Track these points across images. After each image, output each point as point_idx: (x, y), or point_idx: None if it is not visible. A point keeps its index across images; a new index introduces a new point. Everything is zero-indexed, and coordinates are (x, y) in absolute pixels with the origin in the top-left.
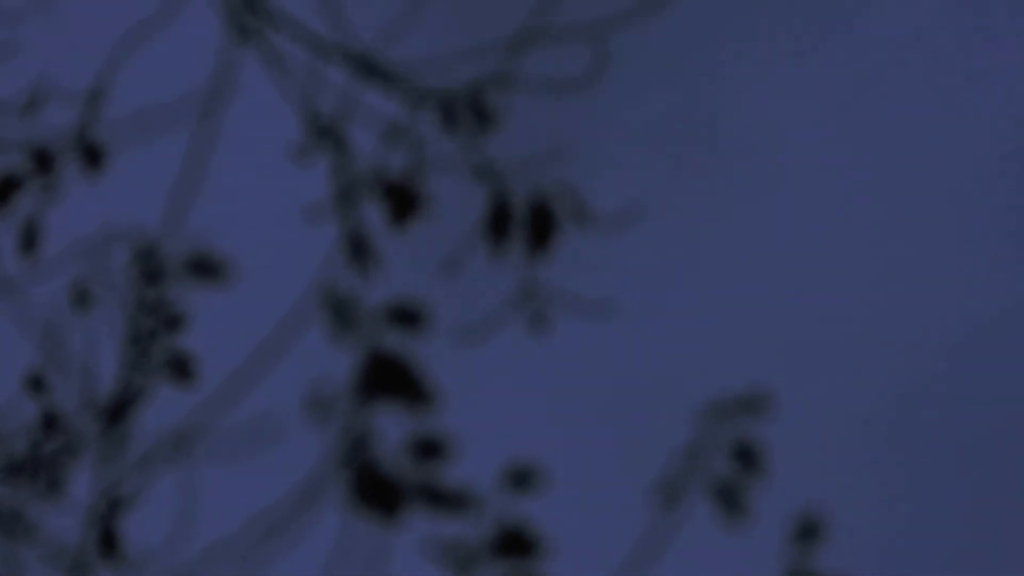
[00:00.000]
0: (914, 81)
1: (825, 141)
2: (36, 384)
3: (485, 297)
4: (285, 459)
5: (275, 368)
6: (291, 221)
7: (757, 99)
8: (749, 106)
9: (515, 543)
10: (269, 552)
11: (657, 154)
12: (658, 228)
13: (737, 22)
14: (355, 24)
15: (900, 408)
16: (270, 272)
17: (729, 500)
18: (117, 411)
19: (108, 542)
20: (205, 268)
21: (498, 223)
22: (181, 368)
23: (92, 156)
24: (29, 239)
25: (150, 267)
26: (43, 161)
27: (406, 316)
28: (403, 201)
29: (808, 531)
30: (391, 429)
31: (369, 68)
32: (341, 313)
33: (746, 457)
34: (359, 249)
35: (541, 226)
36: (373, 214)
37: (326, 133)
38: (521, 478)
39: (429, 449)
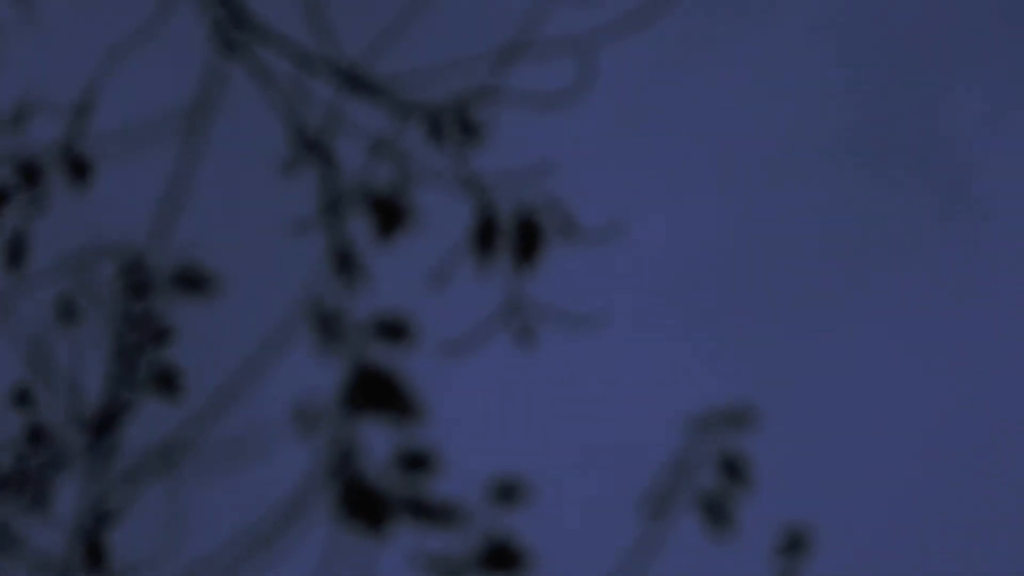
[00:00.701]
0: None
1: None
2: (22, 398)
3: (471, 310)
4: (272, 472)
5: (262, 381)
6: (277, 234)
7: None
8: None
9: (502, 556)
10: (256, 566)
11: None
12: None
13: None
14: (341, 38)
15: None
16: (256, 285)
17: (716, 512)
18: (103, 424)
19: (94, 556)
20: (191, 281)
21: (484, 236)
22: (167, 381)
23: (78, 169)
24: (15, 252)
25: (136, 280)
26: (29, 174)
27: (392, 329)
28: (389, 214)
29: (795, 543)
30: (378, 442)
31: (355, 82)
32: (328, 326)
33: (732, 469)
34: (346, 262)
35: (527, 239)
36: (360, 227)
37: (312, 146)
38: (507, 491)
39: (415, 462)
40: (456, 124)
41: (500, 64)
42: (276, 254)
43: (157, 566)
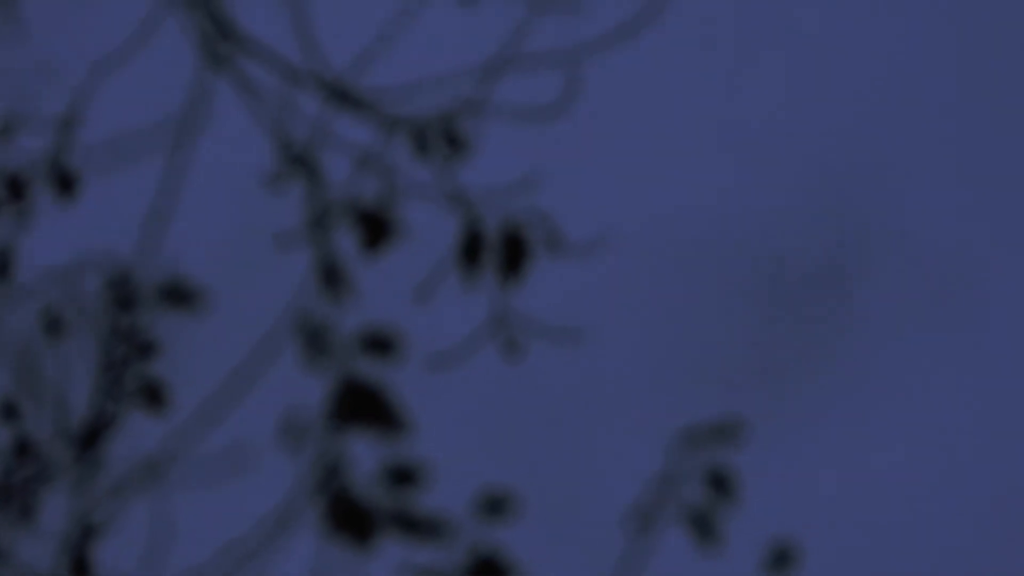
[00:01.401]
0: None
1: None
2: (9, 411)
3: (458, 324)
4: (259, 486)
5: (248, 395)
6: (264, 248)
7: None
8: None
9: (488, 570)
10: None
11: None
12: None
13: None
14: (327, 52)
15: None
16: (243, 299)
17: (702, 526)
18: (90, 438)
19: (81, 569)
20: (178, 295)
21: (470, 250)
22: (154, 395)
23: (65, 183)
24: (2, 266)
25: (123, 294)
26: (16, 188)
27: (379, 343)
28: (376, 228)
29: (782, 557)
30: (364, 456)
31: (342, 96)
32: (314, 340)
33: (719, 484)
34: (332, 276)
35: (513, 253)
36: (346, 241)
37: (299, 160)
38: (494, 505)
39: (402, 476)
40: (442, 138)
41: (485, 78)
42: (262, 268)
43: None
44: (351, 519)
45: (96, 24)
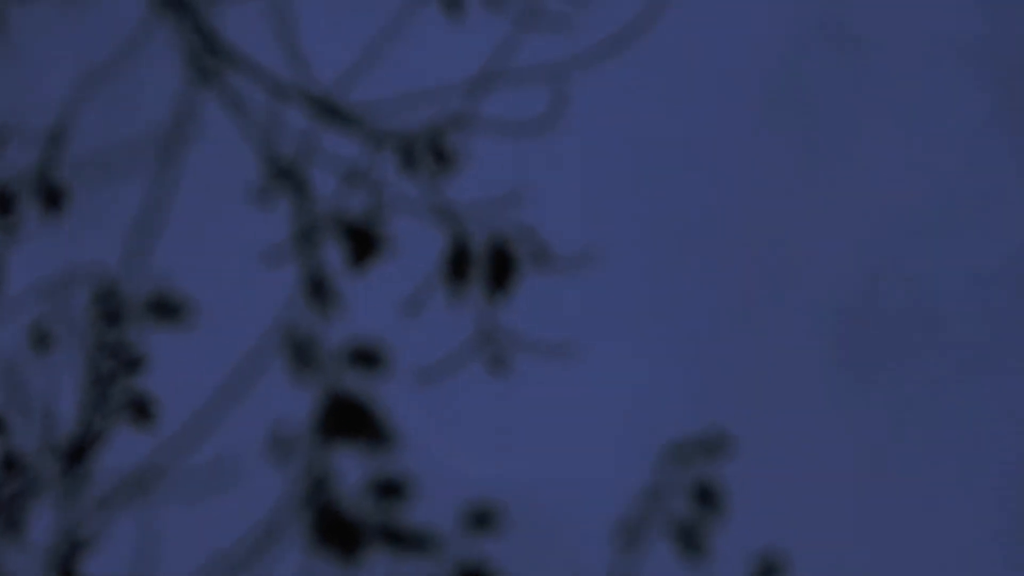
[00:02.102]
0: None
1: None
2: None
3: (445, 338)
4: (246, 499)
5: (235, 409)
6: (251, 262)
7: None
8: None
9: None
10: None
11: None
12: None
13: None
14: (315, 68)
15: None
16: (230, 313)
17: (690, 540)
18: (77, 452)
19: None
20: (165, 309)
21: (457, 265)
22: (141, 409)
23: (53, 198)
24: None
25: (110, 309)
26: (3, 203)
27: (366, 357)
28: (363, 242)
29: (769, 570)
30: (351, 469)
31: (329, 111)
32: (301, 354)
33: (706, 498)
34: (319, 290)
35: (500, 268)
36: (333, 255)
37: (286, 175)
38: (481, 518)
39: (389, 489)
40: (429, 153)
41: (472, 94)
42: (250, 282)
43: None
44: (338, 532)
45: (84, 40)
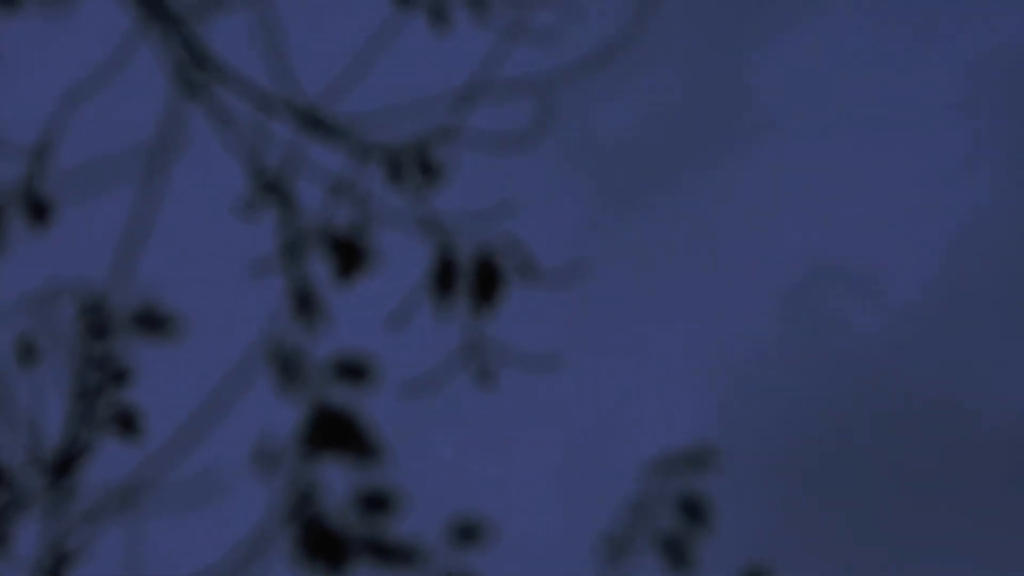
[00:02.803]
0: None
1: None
2: None
3: (431, 351)
4: (232, 513)
5: (221, 422)
6: (237, 275)
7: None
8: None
9: None
10: None
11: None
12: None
13: None
14: (301, 79)
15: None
16: (216, 326)
17: (675, 554)
18: (63, 465)
19: None
20: (151, 322)
21: (444, 277)
22: (127, 422)
23: (38, 210)
24: None
25: (96, 321)
26: None
27: (352, 370)
28: (349, 255)
29: None
30: (338, 483)
31: (315, 122)
32: (287, 367)
33: (692, 511)
34: (305, 303)
35: (487, 280)
36: (319, 268)
37: (272, 187)
38: (467, 532)
39: (376, 503)
40: (416, 165)
41: (459, 105)
42: (236, 295)
43: None
44: (324, 546)
45: (69, 51)
